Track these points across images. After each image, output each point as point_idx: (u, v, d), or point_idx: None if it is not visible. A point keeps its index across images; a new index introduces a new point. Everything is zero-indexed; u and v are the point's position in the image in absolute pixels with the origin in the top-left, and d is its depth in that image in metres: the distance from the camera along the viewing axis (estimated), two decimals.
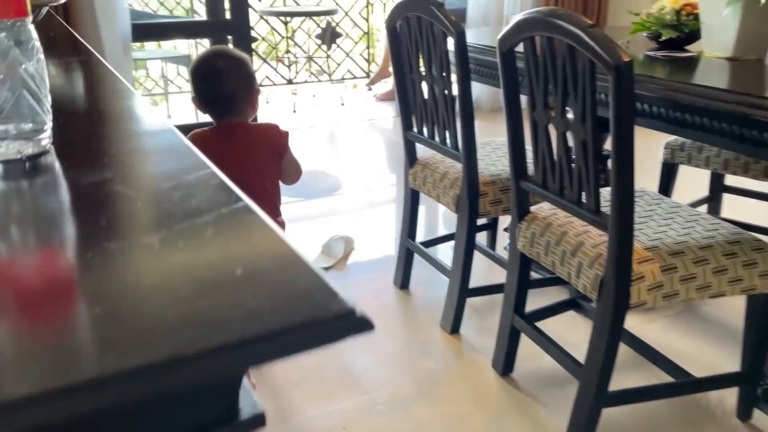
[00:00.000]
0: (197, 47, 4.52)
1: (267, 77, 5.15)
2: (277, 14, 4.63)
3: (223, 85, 1.56)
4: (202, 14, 4.03)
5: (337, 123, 4.38)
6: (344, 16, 5.27)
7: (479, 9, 4.28)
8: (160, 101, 4.60)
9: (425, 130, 1.95)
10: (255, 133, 1.62)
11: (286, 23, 4.89)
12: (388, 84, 5.01)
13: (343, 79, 5.36)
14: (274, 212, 1.64)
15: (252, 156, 1.56)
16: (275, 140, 1.61)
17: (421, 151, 2.04)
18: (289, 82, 5.23)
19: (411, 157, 2.09)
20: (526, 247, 1.59)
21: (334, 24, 5.12)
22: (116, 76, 1.14)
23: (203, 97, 1.59)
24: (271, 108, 4.74)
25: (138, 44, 4.04)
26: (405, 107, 2.01)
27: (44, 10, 1.42)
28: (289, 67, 5.18)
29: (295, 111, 4.68)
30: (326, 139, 4.17)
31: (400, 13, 1.87)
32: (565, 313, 1.93)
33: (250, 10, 3.74)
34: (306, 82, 5.31)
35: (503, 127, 1.57)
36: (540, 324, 1.70)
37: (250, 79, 1.61)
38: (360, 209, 2.97)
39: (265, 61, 5.15)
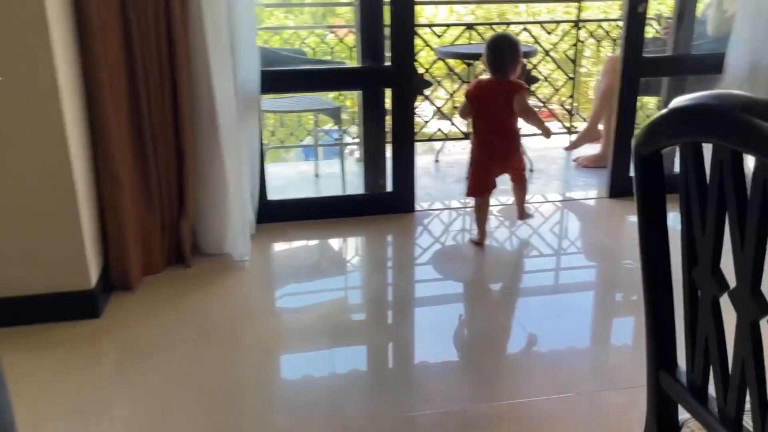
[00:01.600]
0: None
1: (440, 130, 4.20)
2: (461, 56, 3.66)
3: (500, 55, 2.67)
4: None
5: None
6: (543, 57, 4.18)
7: (745, 54, 2.96)
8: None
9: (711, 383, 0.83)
10: (507, 84, 2.67)
11: (469, 65, 3.90)
12: (596, 148, 3.82)
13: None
14: (515, 140, 2.75)
15: (500, 99, 2.66)
16: (512, 89, 2.65)
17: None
18: (467, 135, 4.24)
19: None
20: None
21: (530, 66, 4.03)
22: None
23: (488, 61, 2.69)
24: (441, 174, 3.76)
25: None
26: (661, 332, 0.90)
27: None
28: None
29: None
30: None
31: (674, 133, 0.77)
32: None
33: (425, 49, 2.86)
34: None
35: None
36: None
37: (516, 56, 2.67)
38: None
39: (441, 113, 4.21)
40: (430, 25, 4.17)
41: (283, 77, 2.81)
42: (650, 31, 4.28)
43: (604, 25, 4.28)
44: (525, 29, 4.14)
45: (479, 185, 2.76)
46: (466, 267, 2.65)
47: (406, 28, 2.78)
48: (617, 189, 3.27)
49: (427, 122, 4.25)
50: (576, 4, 4.27)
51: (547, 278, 2.61)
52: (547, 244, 2.86)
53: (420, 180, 3.05)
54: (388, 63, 2.81)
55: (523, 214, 2.90)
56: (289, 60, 3.10)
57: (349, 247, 2.89)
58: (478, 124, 2.71)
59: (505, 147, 2.73)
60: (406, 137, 2.95)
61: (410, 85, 2.84)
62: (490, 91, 2.66)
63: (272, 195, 2.95)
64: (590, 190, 3.47)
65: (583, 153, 3.87)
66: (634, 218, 2.86)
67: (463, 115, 2.82)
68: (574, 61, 4.19)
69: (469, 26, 4.07)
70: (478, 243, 2.79)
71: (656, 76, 3.23)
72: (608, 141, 3.84)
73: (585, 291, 2.56)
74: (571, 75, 4.21)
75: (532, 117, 2.72)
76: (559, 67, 4.20)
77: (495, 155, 2.73)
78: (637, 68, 3.11)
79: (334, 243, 2.86)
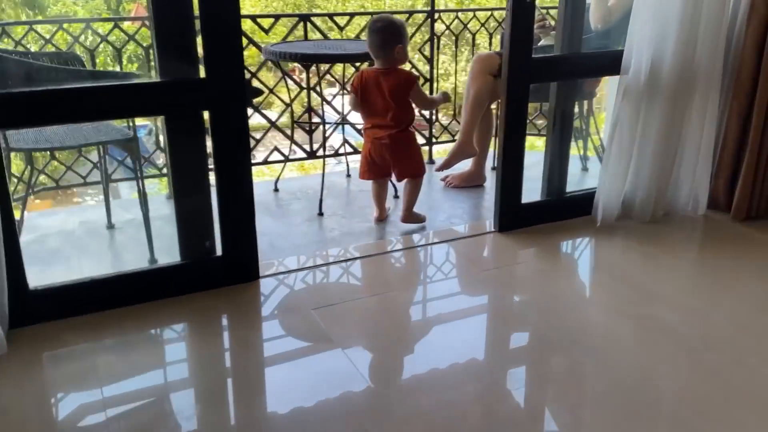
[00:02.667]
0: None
1: (276, 149, 3.32)
2: (299, 58, 2.78)
3: (379, 38, 2.55)
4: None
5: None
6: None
7: (647, 51, 2.45)
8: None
9: None
10: (394, 74, 2.61)
11: (307, 67, 3.05)
12: (467, 163, 3.19)
13: None
14: (405, 139, 2.66)
15: (385, 89, 2.58)
16: (401, 82, 2.59)
17: None
18: (312, 154, 3.41)
19: None
20: None
21: None
22: None
23: (369, 45, 2.59)
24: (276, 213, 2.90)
25: None
26: None
27: None
28: (310, 132, 3.35)
29: (321, 214, 2.86)
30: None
31: None
32: None
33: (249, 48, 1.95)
34: (338, 155, 3.49)
35: None
36: None
37: (398, 39, 2.55)
38: None
39: (276, 128, 3.32)
40: (253, 17, 3.26)
41: (31, 103, 1.77)
42: None
43: (461, 15, 3.65)
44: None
45: (365, 171, 2.74)
46: (337, 362, 1.83)
47: (229, 19, 1.87)
48: (508, 221, 2.65)
49: (258, 140, 3.35)
50: None
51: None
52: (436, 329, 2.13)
53: (258, 220, 2.17)
54: (203, 74, 1.89)
55: (407, 217, 2.72)
56: (45, 75, 2.01)
57: (160, 346, 1.94)
58: (364, 116, 2.69)
59: (392, 146, 2.63)
60: (241, 181, 2.06)
61: (241, 105, 1.95)
62: (373, 81, 2.59)
63: (37, 277, 1.92)
64: (472, 221, 2.82)
65: (452, 170, 3.23)
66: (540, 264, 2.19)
67: (355, 108, 2.71)
68: (431, 60, 3.51)
69: (305, 18, 3.22)
70: (380, 219, 2.78)
71: (549, 81, 2.63)
72: (483, 155, 3.22)
73: None
74: (427, 76, 3.54)
75: (437, 103, 2.92)
76: (413, 66, 3.50)
77: (379, 152, 2.66)
78: (526, 73, 2.48)
79: (136, 344, 1.90)
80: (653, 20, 2.42)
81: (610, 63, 2.57)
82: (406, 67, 2.71)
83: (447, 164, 3.05)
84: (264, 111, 3.27)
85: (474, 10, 3.64)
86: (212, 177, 2.05)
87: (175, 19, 1.85)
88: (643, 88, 2.49)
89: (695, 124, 2.65)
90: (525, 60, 2.46)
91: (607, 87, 3.47)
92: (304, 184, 3.29)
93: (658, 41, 2.46)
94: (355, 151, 3.57)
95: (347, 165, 3.40)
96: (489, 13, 3.63)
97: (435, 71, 3.54)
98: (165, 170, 3.02)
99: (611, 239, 2.61)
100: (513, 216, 2.66)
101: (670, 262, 2.44)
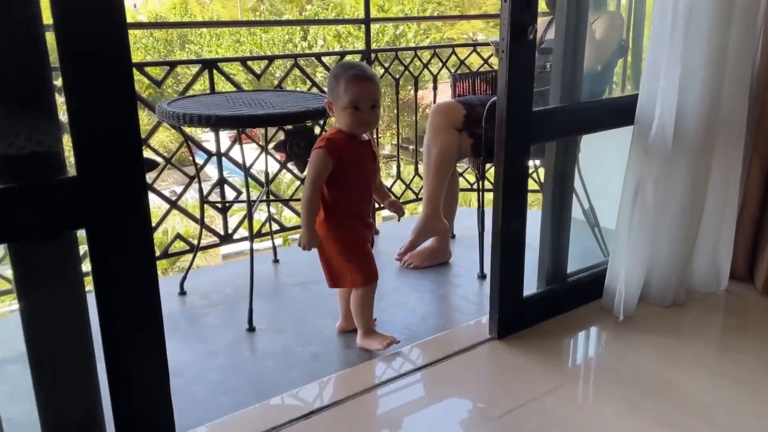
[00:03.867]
0: None
1: (179, 237, 2.52)
2: (211, 122, 2.00)
3: None
4: None
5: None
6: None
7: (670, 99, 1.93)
8: None
9: None
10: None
11: (216, 132, 2.29)
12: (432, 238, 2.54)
13: None
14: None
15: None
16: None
17: None
18: (226, 237, 2.62)
19: None
20: None
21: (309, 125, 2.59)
22: None
23: None
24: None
25: None
26: None
27: None
28: (224, 210, 2.57)
29: (253, 329, 2.08)
30: None
31: None
32: None
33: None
34: (261, 235, 2.72)
35: None
36: None
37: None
38: None
39: (179, 210, 2.52)
40: (139, 65, 2.47)
41: None
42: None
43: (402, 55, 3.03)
44: (297, 64, 2.69)
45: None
46: None
47: (115, 72, 1.10)
48: (508, 323, 2.01)
49: (155, 226, 2.52)
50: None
51: None
52: None
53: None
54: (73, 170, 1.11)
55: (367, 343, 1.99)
56: None
57: None
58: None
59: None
60: (146, 326, 1.26)
61: (141, 220, 1.17)
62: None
63: None
64: (456, 324, 2.15)
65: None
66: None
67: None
68: None
69: (210, 64, 2.46)
70: (345, 329, 2.08)
71: (555, 138, 2.03)
72: (449, 227, 2.58)
73: None
74: None
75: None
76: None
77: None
78: (527, 131, 1.88)
79: None
80: (674, 60, 1.90)
81: (626, 112, 2.02)
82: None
83: (412, 245, 2.38)
84: (160, 186, 2.46)
85: (413, 49, 3.03)
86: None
87: (15, 74, 1.06)
88: (667, 142, 1.96)
89: (717, 183, 2.15)
90: (526, 114, 1.86)
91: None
92: (220, 280, 2.49)
93: (681, 85, 1.94)
94: (283, 229, 2.82)
95: (274, 248, 2.65)
96: (431, 51, 3.05)
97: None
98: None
99: (632, 335, 2.03)
100: (514, 316, 2.02)
101: (712, 364, 1.89)
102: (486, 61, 3.13)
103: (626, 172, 2.04)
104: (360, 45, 17.58)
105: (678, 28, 1.86)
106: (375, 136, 2.51)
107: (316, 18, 16.26)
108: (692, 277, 2.28)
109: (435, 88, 3.02)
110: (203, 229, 2.43)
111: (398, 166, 3.22)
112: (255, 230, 2.54)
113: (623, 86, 2.50)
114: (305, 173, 2.71)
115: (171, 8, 21.90)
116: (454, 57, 3.17)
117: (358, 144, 1.85)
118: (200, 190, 2.32)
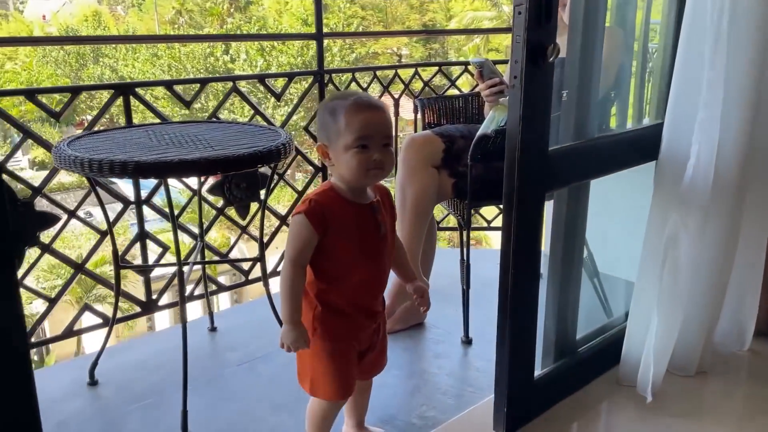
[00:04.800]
0: None
1: (89, 308, 1.98)
2: (129, 170, 1.51)
3: None
4: None
5: None
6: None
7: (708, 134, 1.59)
8: None
9: None
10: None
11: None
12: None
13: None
14: None
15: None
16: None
17: None
18: (149, 305, 2.10)
19: None
20: None
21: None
22: None
23: None
24: None
25: None
26: None
27: None
28: (145, 272, 2.05)
29: None
30: None
31: None
32: None
33: None
34: (195, 298, 2.21)
35: None
36: None
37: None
38: None
39: (88, 275, 1.98)
40: (33, 92, 1.92)
41: None
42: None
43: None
44: (236, 88, 2.21)
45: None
46: None
47: None
48: (518, 413, 1.60)
49: (53, 301, 1.98)
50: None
51: None
52: None
53: None
54: None
55: None
56: None
57: None
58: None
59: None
60: None
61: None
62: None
63: None
64: (450, 415, 1.72)
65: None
66: None
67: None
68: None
69: (125, 90, 1.95)
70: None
71: (574, 181, 1.64)
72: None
73: None
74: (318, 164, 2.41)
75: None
76: (300, 154, 2.34)
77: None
78: (545, 173, 1.48)
79: None
80: (716, 85, 1.56)
81: (644, 147, 1.67)
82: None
83: (387, 312, 1.95)
84: (59, 245, 1.93)
85: (368, 69, 2.60)
86: None
87: None
88: (706, 185, 1.61)
89: (747, 230, 1.83)
90: (542, 153, 1.46)
91: None
92: (143, 361, 1.97)
93: (718, 117, 1.60)
94: (221, 288, 2.33)
95: (211, 314, 2.15)
96: (393, 71, 2.63)
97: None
98: None
99: (657, 417, 1.66)
100: (523, 402, 1.61)
101: None
102: (453, 83, 2.74)
103: (650, 221, 1.69)
104: (285, 59, 17.01)
105: (721, 46, 1.52)
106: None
107: (247, 33, 15.49)
108: (713, 336, 1.95)
109: (396, 115, 2.60)
110: (119, 298, 1.90)
111: None
112: (187, 293, 2.04)
113: (624, 116, 2.16)
114: (246, 221, 2.24)
115: (83, 20, 20.65)
116: (416, 79, 2.77)
117: (359, 207, 1.30)
118: (114, 252, 1.80)
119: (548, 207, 1.82)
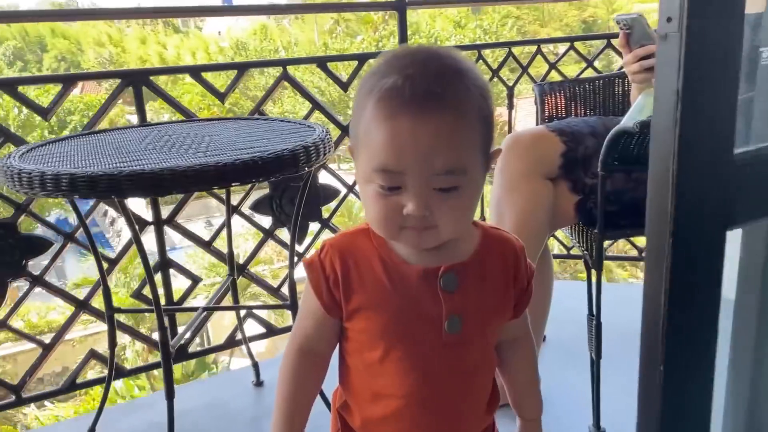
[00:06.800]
0: None
1: (94, 352, 1.60)
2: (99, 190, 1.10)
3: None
4: None
5: None
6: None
7: None
8: None
9: None
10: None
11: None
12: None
13: None
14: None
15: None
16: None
17: None
18: (176, 353, 1.68)
19: None
20: None
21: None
22: None
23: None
24: None
25: None
26: None
27: None
28: (161, 315, 1.63)
29: None
30: None
31: None
32: None
33: None
34: (229, 346, 1.76)
35: None
36: None
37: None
38: None
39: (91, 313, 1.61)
40: (12, 82, 1.57)
41: None
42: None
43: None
44: (287, 75, 1.70)
45: None
46: None
47: None
48: None
49: (48, 348, 1.61)
50: None
51: None
52: None
53: None
54: None
55: None
56: None
57: None
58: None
59: None
60: None
61: None
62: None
63: None
64: None
65: None
66: None
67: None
68: None
69: (135, 77, 1.54)
70: None
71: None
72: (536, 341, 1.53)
73: None
74: None
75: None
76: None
77: None
78: (725, 192, 0.82)
79: None
80: None
81: None
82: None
83: None
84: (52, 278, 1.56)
85: (479, 47, 2.00)
86: None
87: None
88: None
89: None
90: (720, 159, 0.79)
91: None
92: (155, 422, 1.54)
93: None
94: (270, 332, 1.86)
95: (255, 364, 1.68)
96: (507, 50, 2.01)
97: None
98: None
99: None
100: None
101: None
102: (590, 63, 2.05)
103: None
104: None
105: None
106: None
107: (339, 3, 15.00)
108: None
109: (510, 108, 1.97)
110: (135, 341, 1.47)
111: None
112: (225, 338, 1.58)
113: None
114: (303, 246, 1.75)
115: (252, 34, 21.94)
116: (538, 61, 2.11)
117: (408, 271, 0.71)
118: (107, 295, 1.37)
119: (731, 237, 1.13)
